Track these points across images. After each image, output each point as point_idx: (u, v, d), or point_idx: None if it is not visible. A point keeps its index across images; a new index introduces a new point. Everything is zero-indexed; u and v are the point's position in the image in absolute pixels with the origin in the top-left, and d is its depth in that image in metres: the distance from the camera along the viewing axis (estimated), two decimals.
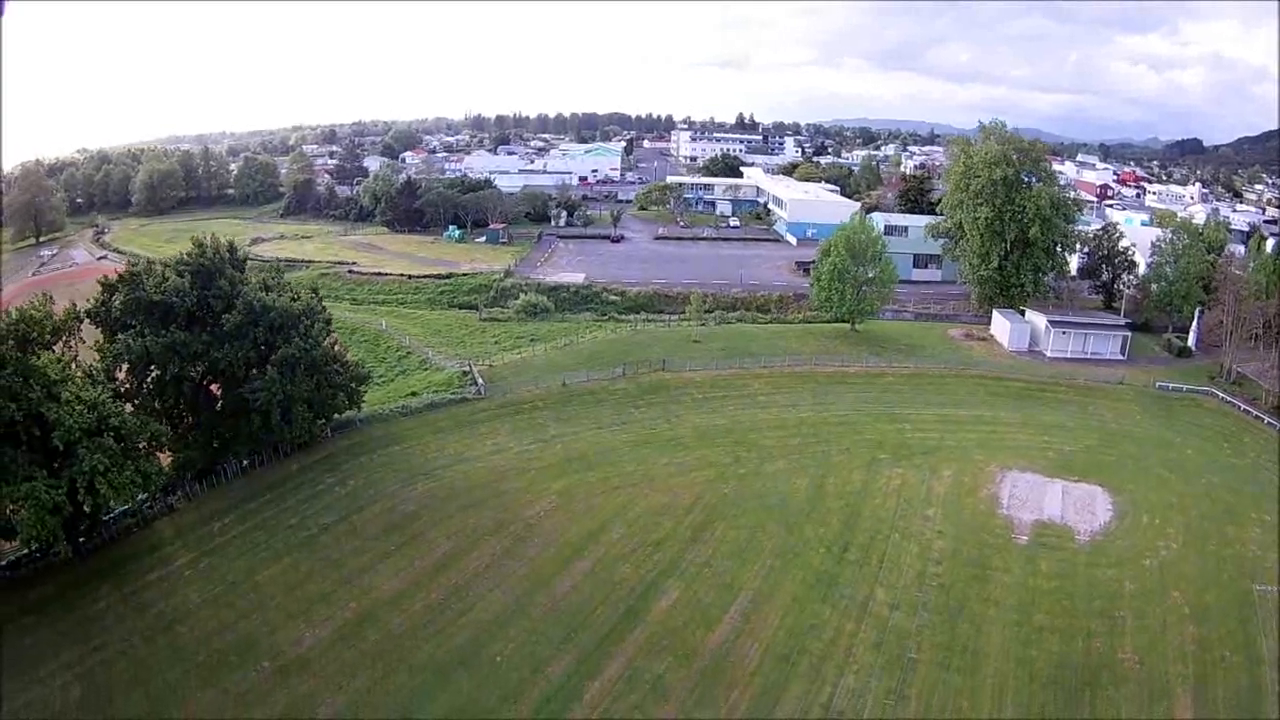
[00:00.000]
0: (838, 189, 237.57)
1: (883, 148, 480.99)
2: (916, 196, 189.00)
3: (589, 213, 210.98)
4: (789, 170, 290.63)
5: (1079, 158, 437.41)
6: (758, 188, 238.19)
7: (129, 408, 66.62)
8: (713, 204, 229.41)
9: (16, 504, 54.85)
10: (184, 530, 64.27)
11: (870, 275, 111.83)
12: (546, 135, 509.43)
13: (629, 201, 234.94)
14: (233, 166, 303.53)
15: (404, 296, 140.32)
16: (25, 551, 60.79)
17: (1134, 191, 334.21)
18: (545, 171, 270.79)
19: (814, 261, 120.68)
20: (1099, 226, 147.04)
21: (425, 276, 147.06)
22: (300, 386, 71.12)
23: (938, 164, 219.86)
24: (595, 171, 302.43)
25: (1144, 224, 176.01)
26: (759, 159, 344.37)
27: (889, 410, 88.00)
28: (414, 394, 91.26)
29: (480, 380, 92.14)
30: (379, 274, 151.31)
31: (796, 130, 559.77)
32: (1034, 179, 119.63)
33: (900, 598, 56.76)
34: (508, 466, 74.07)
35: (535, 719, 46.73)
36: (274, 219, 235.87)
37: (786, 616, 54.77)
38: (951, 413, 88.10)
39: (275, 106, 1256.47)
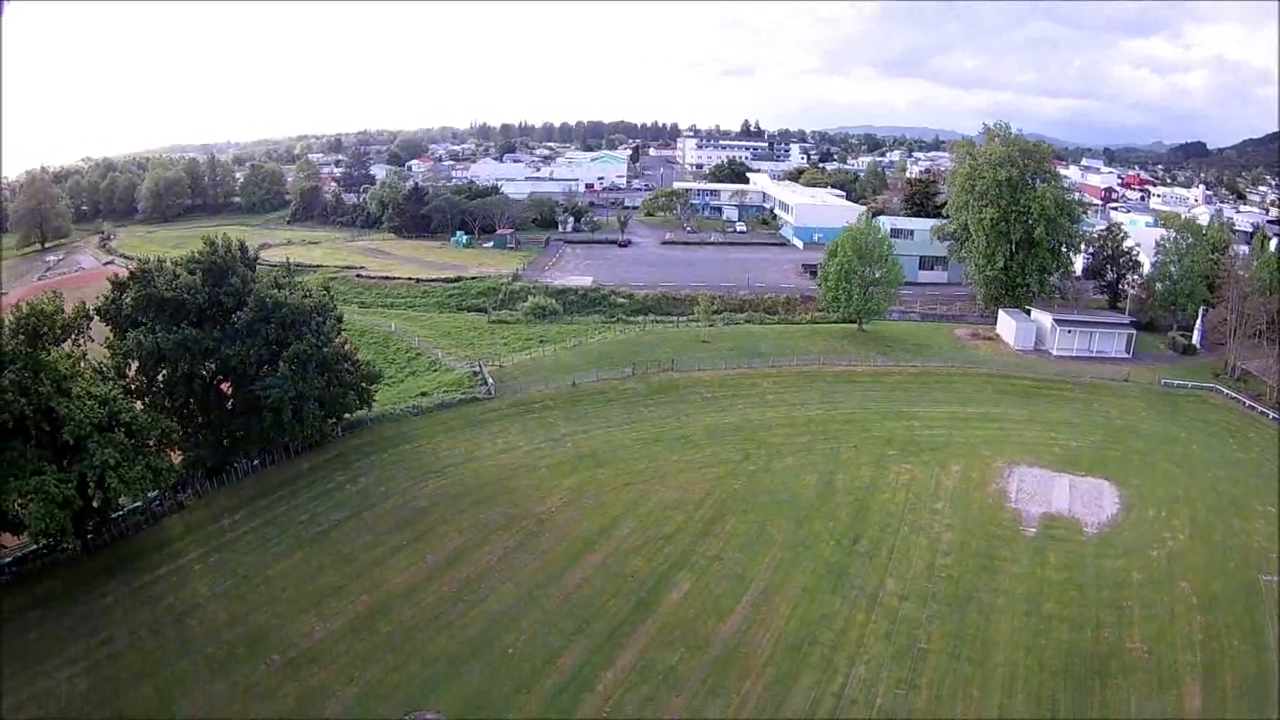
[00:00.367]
0: (843, 194, 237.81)
1: (888, 154, 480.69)
2: (922, 200, 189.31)
3: (596, 219, 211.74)
4: (795, 176, 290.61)
5: (1084, 162, 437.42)
6: (764, 193, 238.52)
7: (139, 405, 66.56)
8: (719, 209, 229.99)
9: (25, 498, 54.20)
10: (194, 526, 64.38)
11: (877, 275, 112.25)
12: (552, 144, 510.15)
13: (635, 208, 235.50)
14: (238, 175, 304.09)
15: (412, 300, 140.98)
16: (33, 548, 60.19)
17: (1138, 194, 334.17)
18: (552, 179, 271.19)
19: (820, 263, 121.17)
20: (1104, 227, 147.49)
21: (433, 280, 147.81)
22: (312, 384, 71.42)
23: (943, 169, 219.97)
24: (602, 179, 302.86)
25: (1149, 225, 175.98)
26: (765, 165, 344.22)
27: (897, 408, 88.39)
28: (424, 394, 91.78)
29: (490, 380, 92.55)
30: (387, 278, 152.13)
31: (802, 138, 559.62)
32: (1038, 180, 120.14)
33: (910, 588, 57.06)
34: (518, 464, 74.51)
35: (548, 709, 46.80)
36: (281, 225, 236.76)
37: (797, 607, 55.05)
38: (959, 410, 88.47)
39: (280, 116, 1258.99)
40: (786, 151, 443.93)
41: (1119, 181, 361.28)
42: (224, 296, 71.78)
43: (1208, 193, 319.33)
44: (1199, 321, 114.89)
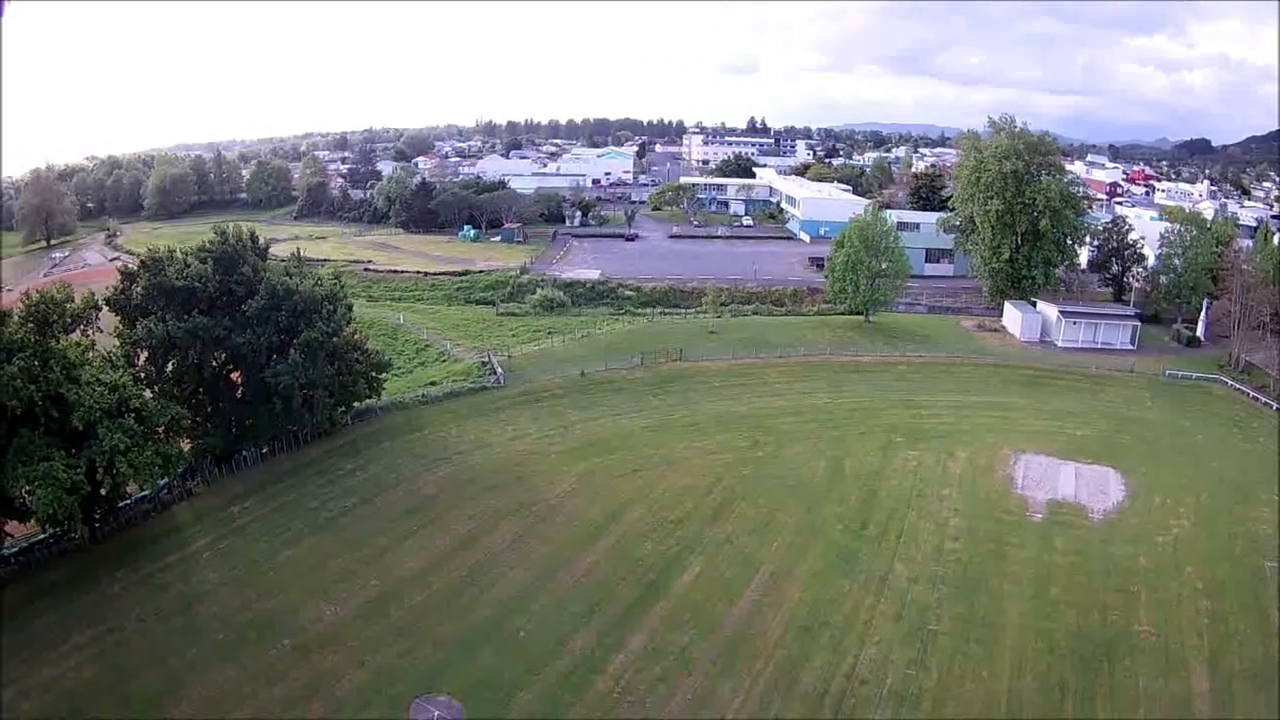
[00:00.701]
0: (850, 188, 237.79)
1: (894, 150, 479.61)
2: (928, 194, 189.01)
3: (603, 213, 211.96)
4: (801, 171, 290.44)
5: (1089, 158, 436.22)
6: (770, 187, 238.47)
7: (148, 394, 66.72)
8: (726, 204, 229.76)
9: (33, 484, 53.52)
10: (203, 514, 64.57)
11: (883, 267, 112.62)
12: (558, 140, 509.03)
13: (642, 203, 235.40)
14: (244, 171, 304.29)
15: (420, 293, 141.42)
16: (40, 537, 59.73)
17: (1143, 190, 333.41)
18: (559, 174, 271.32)
19: (827, 256, 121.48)
20: (1108, 220, 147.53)
21: (441, 274, 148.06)
22: (322, 371, 71.79)
23: (948, 165, 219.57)
24: (608, 174, 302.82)
25: (1154, 219, 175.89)
26: (771, 161, 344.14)
27: (904, 397, 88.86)
28: (433, 384, 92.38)
29: (499, 370, 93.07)
30: (395, 271, 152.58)
31: (808, 134, 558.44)
32: (1043, 173, 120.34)
33: (919, 572, 57.37)
34: (528, 451, 75.00)
35: (560, 690, 47.00)
36: (287, 221, 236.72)
37: (807, 590, 55.40)
38: (965, 399, 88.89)
39: (286, 114, 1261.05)
40: (793, 148, 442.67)
41: (1124, 177, 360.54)
42: (235, 285, 72.16)
43: (1212, 188, 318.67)
44: (1203, 314, 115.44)
